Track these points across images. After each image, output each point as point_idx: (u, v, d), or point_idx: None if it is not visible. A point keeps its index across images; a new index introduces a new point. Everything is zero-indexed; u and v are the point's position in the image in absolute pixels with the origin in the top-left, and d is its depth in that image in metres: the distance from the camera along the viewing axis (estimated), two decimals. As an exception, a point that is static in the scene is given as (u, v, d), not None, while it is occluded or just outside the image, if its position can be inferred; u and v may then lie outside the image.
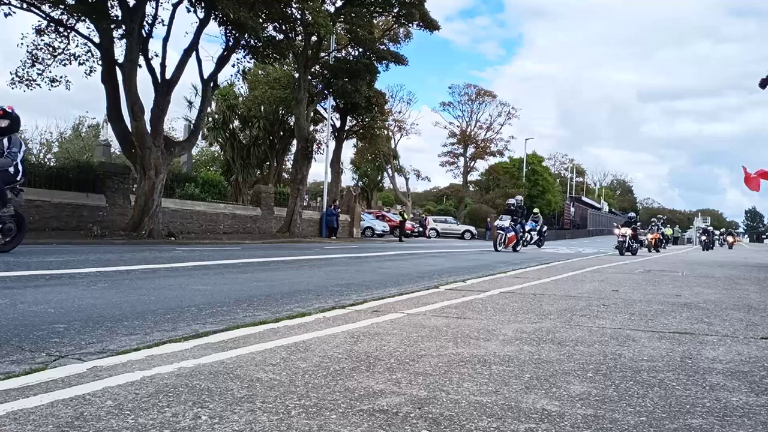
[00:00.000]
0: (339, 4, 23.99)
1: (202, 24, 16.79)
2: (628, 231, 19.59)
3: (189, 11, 16.88)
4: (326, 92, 27.00)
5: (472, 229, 42.13)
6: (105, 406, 1.94)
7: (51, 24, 16.26)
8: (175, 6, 16.52)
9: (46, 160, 30.40)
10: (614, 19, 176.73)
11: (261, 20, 17.38)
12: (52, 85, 16.81)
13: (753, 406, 2.20)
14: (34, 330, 3.23)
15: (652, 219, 29.51)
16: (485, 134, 59.16)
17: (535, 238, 24.22)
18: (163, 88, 16.42)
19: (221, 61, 17.96)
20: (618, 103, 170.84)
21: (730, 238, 44.85)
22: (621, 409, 2.10)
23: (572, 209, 70.96)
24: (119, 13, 16.05)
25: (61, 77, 16.98)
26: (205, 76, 17.72)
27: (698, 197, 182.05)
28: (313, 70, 25.12)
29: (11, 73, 16.36)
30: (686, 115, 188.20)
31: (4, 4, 14.64)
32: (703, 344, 3.40)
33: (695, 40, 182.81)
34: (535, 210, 27.96)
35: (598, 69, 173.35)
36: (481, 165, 61.38)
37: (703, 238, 35.13)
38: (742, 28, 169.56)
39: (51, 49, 16.59)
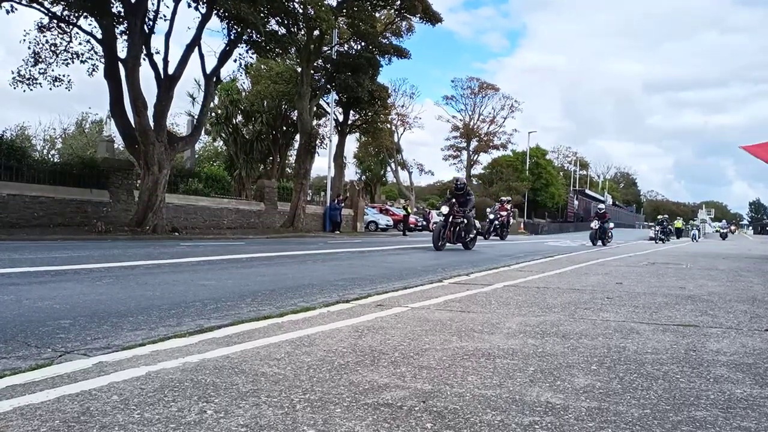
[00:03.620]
0: (341, -3, 23.92)
1: (204, 19, 16.76)
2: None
3: (190, 6, 16.85)
4: (329, 86, 26.95)
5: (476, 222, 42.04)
6: (111, 401, 1.95)
7: (53, 20, 16.25)
8: (177, 1, 16.49)
9: (49, 156, 30.50)
10: (619, 10, 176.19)
11: (263, 15, 17.32)
12: (54, 85, 16.82)
13: (757, 398, 2.20)
14: (40, 326, 3.25)
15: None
16: (488, 128, 59.07)
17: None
18: (166, 84, 16.41)
19: (224, 56, 17.94)
20: (623, 95, 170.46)
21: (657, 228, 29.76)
22: (625, 401, 2.10)
23: (576, 202, 70.84)
24: (121, 8, 16.03)
25: (63, 76, 17.00)
26: (208, 71, 17.70)
27: (704, 189, 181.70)
28: (315, 64, 25.07)
29: (13, 72, 16.39)
30: (691, 107, 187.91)
31: (6, 0, 14.63)
32: (707, 336, 3.40)
33: (701, 30, 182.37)
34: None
35: (603, 60, 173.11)
36: (485, 158, 61.32)
37: (657, 228, 29.19)
38: (749, 17, 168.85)
39: (53, 47, 16.58)
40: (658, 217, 33.84)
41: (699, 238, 37.44)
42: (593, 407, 2.02)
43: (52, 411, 1.83)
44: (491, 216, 24.31)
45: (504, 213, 24.03)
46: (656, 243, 26.89)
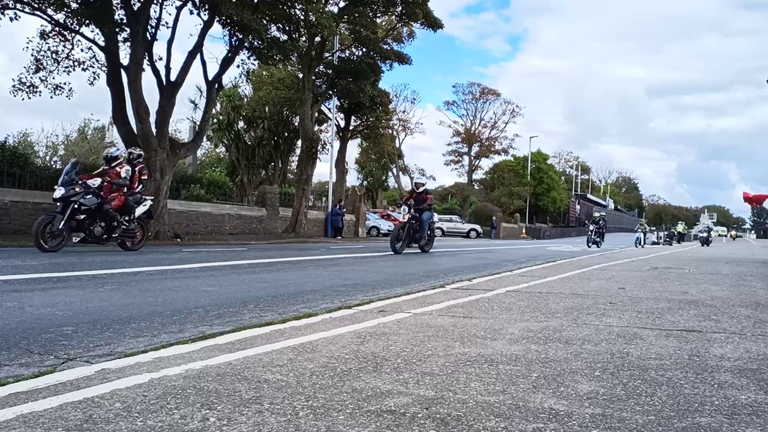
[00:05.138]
0: (342, 4, 24.00)
1: (207, 26, 16.83)
2: None
3: (193, 13, 16.93)
4: (330, 92, 26.99)
5: (478, 227, 42.11)
6: (113, 408, 1.95)
7: (56, 28, 16.32)
8: (179, 8, 16.57)
9: (52, 162, 30.54)
10: (621, 13, 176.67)
11: (265, 21, 17.40)
12: (55, 93, 16.84)
13: (762, 404, 2.19)
14: (43, 333, 3.25)
15: None
16: (489, 133, 59.10)
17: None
18: (168, 90, 16.47)
19: (225, 63, 18.00)
20: (625, 99, 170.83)
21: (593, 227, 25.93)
22: (629, 408, 2.09)
23: (578, 207, 70.92)
24: (123, 16, 16.11)
25: (64, 84, 17.02)
26: (210, 78, 17.76)
27: (706, 193, 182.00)
28: (317, 70, 25.13)
29: (13, 80, 16.42)
30: (694, 110, 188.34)
31: (10, 8, 14.71)
32: (711, 342, 3.39)
33: (704, 34, 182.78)
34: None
35: (606, 64, 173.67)
36: (486, 163, 61.37)
37: (591, 227, 25.68)
38: (751, 21, 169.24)
39: (54, 54, 16.63)
40: (594, 215, 28.44)
41: (643, 243, 30.23)
42: (597, 414, 2.01)
43: (54, 419, 1.83)
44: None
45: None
46: (589, 247, 23.41)
